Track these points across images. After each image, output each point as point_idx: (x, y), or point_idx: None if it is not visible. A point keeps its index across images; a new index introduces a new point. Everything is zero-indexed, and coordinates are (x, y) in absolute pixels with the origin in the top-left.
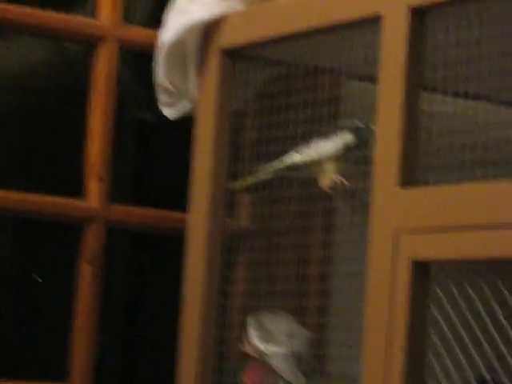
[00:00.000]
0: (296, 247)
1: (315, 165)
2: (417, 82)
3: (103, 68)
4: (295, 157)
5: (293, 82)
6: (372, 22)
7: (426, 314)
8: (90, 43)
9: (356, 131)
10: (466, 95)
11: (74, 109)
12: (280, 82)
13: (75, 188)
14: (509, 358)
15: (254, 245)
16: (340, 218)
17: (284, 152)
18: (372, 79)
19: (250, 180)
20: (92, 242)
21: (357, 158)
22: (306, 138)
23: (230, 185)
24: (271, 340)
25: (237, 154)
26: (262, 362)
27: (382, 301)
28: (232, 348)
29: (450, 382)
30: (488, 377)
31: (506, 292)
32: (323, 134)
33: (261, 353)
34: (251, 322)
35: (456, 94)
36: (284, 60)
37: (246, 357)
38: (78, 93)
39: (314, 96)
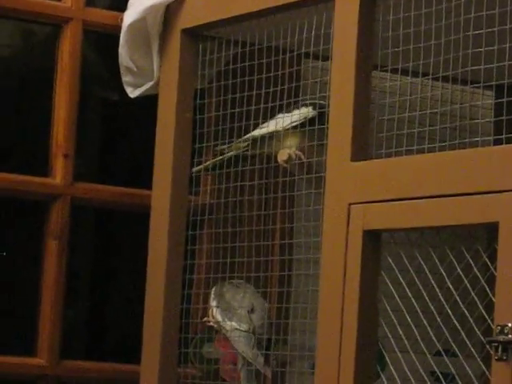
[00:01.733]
0: (258, 221)
1: (275, 139)
2: (368, 59)
3: (68, 49)
4: (255, 132)
5: (254, 60)
6: (326, 1)
7: (377, 280)
8: (55, 25)
9: (316, 107)
10: (415, 72)
11: (40, 89)
12: (241, 61)
13: (41, 166)
14: (457, 324)
15: (217, 219)
16: (298, 191)
17: (246, 129)
18: (328, 57)
19: (211, 162)
20: (57, 218)
21: (315, 133)
22: (267, 115)
23: (194, 169)
24: (232, 316)
25: (200, 131)
26: (223, 335)
27: (336, 269)
28: (196, 321)
29: (403, 348)
30: (440, 348)
31: (453, 259)
32: (285, 110)
33: (222, 328)
34: (213, 295)
35: (405, 71)
36: (244, 39)
37: (210, 329)
38: (43, 73)
39: (275, 74)
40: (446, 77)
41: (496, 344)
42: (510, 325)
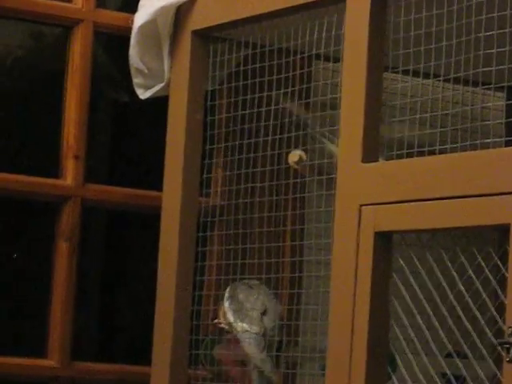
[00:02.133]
0: (269, 222)
1: None
2: (379, 61)
3: (79, 50)
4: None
5: (264, 62)
6: (337, 3)
7: (389, 281)
8: (65, 26)
9: None
10: (426, 73)
11: (51, 90)
12: (252, 63)
13: (52, 167)
14: (468, 326)
15: (228, 221)
16: (310, 193)
17: (257, 131)
18: (339, 59)
19: None
20: (68, 219)
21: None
22: (278, 116)
23: None
24: (245, 317)
25: (211, 133)
26: (234, 337)
27: (347, 270)
28: (207, 322)
29: (414, 350)
30: (451, 349)
31: (465, 261)
32: None
33: (233, 329)
34: (227, 296)
35: (416, 73)
36: (255, 41)
37: (221, 331)
38: (54, 75)
39: (286, 75)
40: (458, 78)
41: (507, 346)
42: None
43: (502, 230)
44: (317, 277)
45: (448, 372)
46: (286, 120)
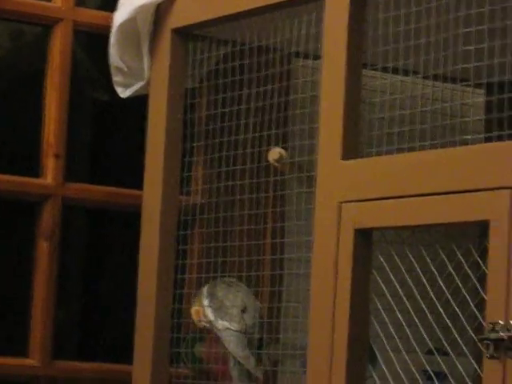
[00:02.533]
0: (249, 220)
1: None
2: (358, 58)
3: (59, 49)
4: None
5: (244, 59)
6: (316, 0)
7: (369, 278)
8: (45, 25)
9: None
10: (405, 70)
11: (31, 89)
12: (232, 60)
13: (32, 166)
14: (449, 323)
15: (209, 219)
16: (289, 190)
17: (237, 129)
18: (318, 57)
19: None
20: (49, 218)
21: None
22: (258, 114)
23: None
24: (225, 315)
25: (191, 131)
26: (215, 335)
27: (327, 267)
28: (188, 320)
29: (395, 347)
30: (432, 346)
31: (445, 257)
32: None
33: (214, 327)
34: (206, 294)
35: (395, 70)
36: (235, 38)
37: (202, 329)
38: (34, 73)
39: (265, 73)
40: (437, 75)
41: (487, 342)
42: (501, 322)
43: (482, 226)
44: (297, 274)
45: (429, 369)
46: (266, 118)
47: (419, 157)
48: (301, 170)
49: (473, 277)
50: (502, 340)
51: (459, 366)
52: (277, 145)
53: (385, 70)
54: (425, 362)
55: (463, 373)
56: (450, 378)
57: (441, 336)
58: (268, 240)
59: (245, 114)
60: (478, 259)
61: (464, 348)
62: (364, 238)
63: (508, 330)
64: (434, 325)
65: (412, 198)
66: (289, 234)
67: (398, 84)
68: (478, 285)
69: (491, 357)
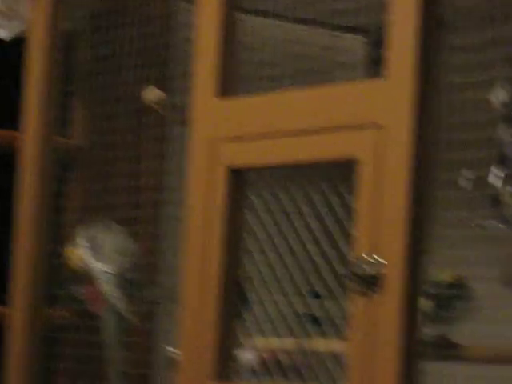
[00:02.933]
0: (129, 161)
1: None
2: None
3: None
4: None
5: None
6: None
7: (242, 218)
8: None
9: None
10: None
11: None
12: (113, 2)
13: None
14: (318, 260)
15: (89, 161)
16: (169, 131)
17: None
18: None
19: None
20: None
21: None
22: (139, 56)
23: None
24: (100, 257)
25: (72, 72)
26: (92, 276)
27: (201, 206)
28: (66, 261)
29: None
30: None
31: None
32: None
33: (89, 269)
34: (82, 235)
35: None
36: None
37: (78, 270)
38: None
39: (147, 13)
40: (314, 20)
41: (353, 277)
42: (365, 256)
43: (351, 163)
44: (175, 216)
45: (302, 311)
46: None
47: (292, 96)
48: (181, 111)
49: (341, 215)
50: (368, 275)
51: (333, 309)
52: (157, 86)
53: (262, 13)
54: (298, 305)
55: (337, 314)
56: (323, 319)
57: (314, 278)
58: (147, 181)
59: (126, 55)
60: (346, 197)
61: (336, 290)
62: (237, 177)
63: (372, 264)
64: (307, 267)
65: (286, 138)
66: (168, 175)
67: (271, 27)
68: (346, 223)
69: (356, 292)
